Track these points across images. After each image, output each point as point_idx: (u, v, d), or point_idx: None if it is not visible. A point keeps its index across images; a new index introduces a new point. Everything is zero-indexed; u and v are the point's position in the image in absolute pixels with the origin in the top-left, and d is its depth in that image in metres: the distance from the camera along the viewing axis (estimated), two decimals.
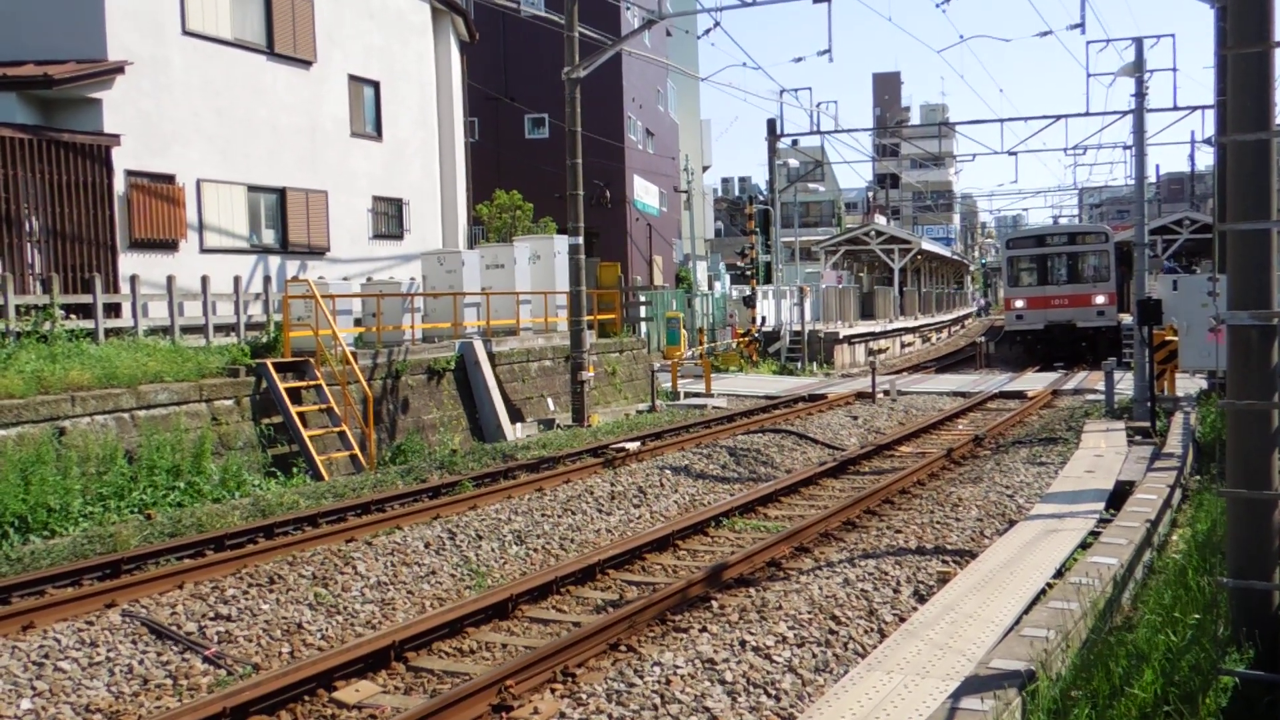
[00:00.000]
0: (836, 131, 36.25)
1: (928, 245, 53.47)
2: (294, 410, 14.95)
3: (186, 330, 16.60)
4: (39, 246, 15.69)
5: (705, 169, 60.43)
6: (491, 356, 19.73)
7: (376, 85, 23.39)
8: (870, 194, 76.69)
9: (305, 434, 14.83)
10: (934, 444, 16.51)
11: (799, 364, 32.11)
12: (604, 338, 25.32)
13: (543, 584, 8.72)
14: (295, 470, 14.59)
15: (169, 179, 18.20)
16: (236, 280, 17.80)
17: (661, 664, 6.52)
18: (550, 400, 21.39)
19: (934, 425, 18.36)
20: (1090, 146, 66.81)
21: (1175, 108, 30.42)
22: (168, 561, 9.45)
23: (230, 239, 19.53)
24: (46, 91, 16.20)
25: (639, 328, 30.19)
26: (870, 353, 36.63)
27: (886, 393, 22.86)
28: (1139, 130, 17.71)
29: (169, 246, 18.17)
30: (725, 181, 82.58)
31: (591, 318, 23.43)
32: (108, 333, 15.35)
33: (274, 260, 20.37)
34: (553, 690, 6.61)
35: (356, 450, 15.52)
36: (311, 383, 15.61)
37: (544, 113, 38.25)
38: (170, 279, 16.50)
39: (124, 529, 10.40)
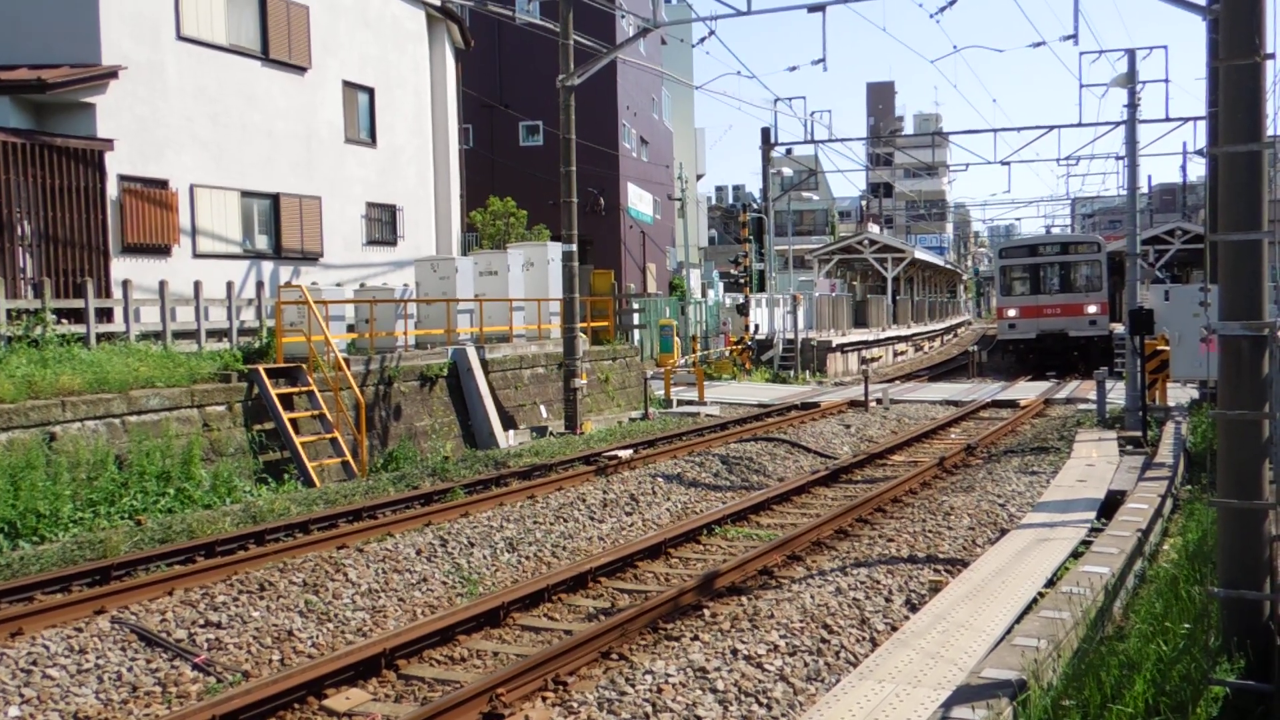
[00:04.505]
0: (830, 140, 36.37)
1: (921, 254, 53.60)
2: (286, 416, 14.91)
3: (179, 335, 16.56)
4: (31, 251, 15.65)
5: (699, 177, 60.56)
6: (484, 363, 19.72)
7: (371, 92, 23.43)
8: (864, 203, 76.88)
9: (297, 440, 14.80)
10: (926, 453, 16.52)
11: (792, 372, 32.13)
12: (597, 345, 25.31)
13: (535, 592, 8.70)
14: (287, 476, 14.55)
15: (162, 184, 18.19)
16: (229, 285, 17.78)
17: (653, 672, 6.51)
18: (543, 407, 21.37)
19: (926, 434, 18.37)
20: (1083, 157, 66.67)
21: (1168, 119, 30.45)
22: (158, 568, 9.41)
23: (223, 244, 19.51)
24: (40, 95, 16.18)
25: (632, 335, 30.17)
26: (863, 361, 36.65)
27: (879, 401, 22.87)
28: (1131, 141, 17.78)
29: (162, 251, 18.15)
30: (719, 190, 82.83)
31: (585, 325, 23.45)
32: (99, 337, 15.31)
33: (267, 266, 20.35)
34: (544, 699, 6.60)
35: (348, 457, 15.48)
36: (304, 389, 15.58)
37: (538, 120, 38.32)
38: (163, 284, 16.47)
39: (114, 535, 10.35)
